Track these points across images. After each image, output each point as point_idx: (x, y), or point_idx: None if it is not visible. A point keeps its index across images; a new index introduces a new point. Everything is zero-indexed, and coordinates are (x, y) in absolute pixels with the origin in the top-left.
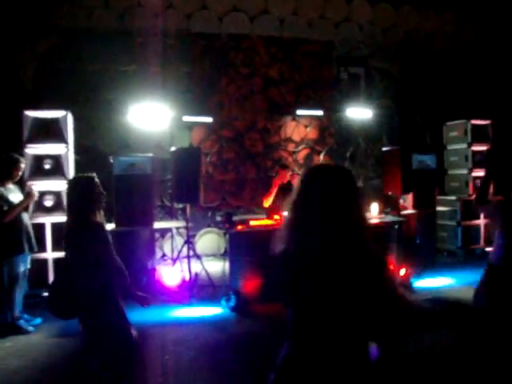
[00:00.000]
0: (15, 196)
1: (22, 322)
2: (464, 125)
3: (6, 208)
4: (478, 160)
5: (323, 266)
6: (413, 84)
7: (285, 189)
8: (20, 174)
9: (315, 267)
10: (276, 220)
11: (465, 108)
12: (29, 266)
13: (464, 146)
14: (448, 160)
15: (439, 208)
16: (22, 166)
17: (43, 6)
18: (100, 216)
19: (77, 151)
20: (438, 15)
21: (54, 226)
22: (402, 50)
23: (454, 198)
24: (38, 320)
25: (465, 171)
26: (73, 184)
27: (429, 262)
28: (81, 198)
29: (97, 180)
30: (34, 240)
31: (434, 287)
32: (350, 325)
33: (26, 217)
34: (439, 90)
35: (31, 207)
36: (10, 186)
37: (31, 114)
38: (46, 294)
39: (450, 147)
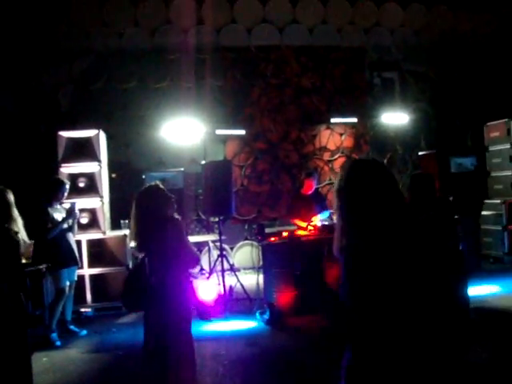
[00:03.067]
0: (60, 215)
1: (53, 335)
2: (506, 124)
3: (49, 225)
4: None
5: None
6: (449, 85)
7: (312, 197)
8: (65, 195)
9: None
10: (309, 230)
11: (505, 107)
12: (75, 279)
13: (507, 146)
14: (490, 162)
15: (483, 212)
16: (67, 187)
17: (77, 29)
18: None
19: (111, 169)
20: (473, 14)
21: (90, 242)
22: (437, 51)
23: (498, 201)
24: (84, 332)
25: (509, 173)
26: (145, 192)
27: (473, 270)
28: (156, 199)
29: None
30: (77, 255)
31: (479, 295)
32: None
33: (69, 234)
34: (477, 90)
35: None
36: (57, 205)
37: (65, 134)
38: (84, 310)
39: (491, 148)
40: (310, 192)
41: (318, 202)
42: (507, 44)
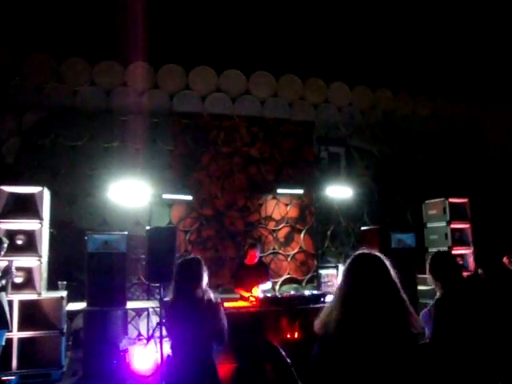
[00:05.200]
0: None
1: None
2: (442, 203)
3: None
4: (458, 238)
5: (371, 350)
6: (392, 163)
7: (255, 267)
8: (2, 254)
9: (364, 350)
10: (251, 301)
11: (443, 186)
12: (3, 343)
13: (443, 223)
14: (428, 238)
15: (420, 287)
16: (5, 246)
17: (30, 83)
18: None
19: (53, 226)
20: (412, 97)
21: (22, 303)
22: (381, 130)
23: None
24: None
25: (445, 248)
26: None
27: None
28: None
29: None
30: (8, 318)
31: None
32: None
33: (2, 295)
34: (418, 169)
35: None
36: None
37: (7, 189)
38: (7, 378)
39: (429, 225)
40: (253, 262)
41: (261, 272)
42: (446, 126)
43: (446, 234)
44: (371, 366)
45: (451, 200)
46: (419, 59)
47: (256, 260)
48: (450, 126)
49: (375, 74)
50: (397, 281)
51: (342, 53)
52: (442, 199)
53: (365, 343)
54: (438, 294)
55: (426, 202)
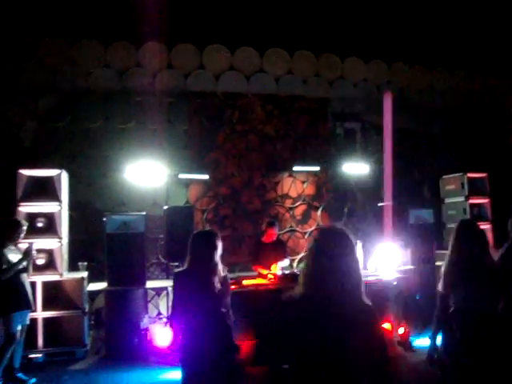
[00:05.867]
0: (15, 256)
1: None
2: (460, 178)
3: (4, 266)
4: (476, 213)
5: (325, 316)
6: (408, 138)
7: (273, 245)
8: (21, 236)
9: (318, 316)
10: (270, 279)
11: (461, 161)
12: (28, 323)
13: (461, 199)
14: (446, 214)
15: (439, 263)
16: (24, 228)
17: (45, 67)
18: None
19: (72, 209)
20: (429, 71)
21: (45, 284)
22: (397, 105)
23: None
24: (33, 380)
25: None
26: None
27: (430, 320)
28: (207, 248)
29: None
30: (31, 298)
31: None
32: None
33: (24, 276)
34: (435, 144)
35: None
36: (12, 246)
37: (26, 172)
38: (34, 355)
39: (447, 201)
40: (271, 240)
41: (278, 249)
42: (464, 100)
43: (465, 209)
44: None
45: (470, 175)
46: (435, 31)
47: (274, 238)
48: (468, 99)
49: (390, 47)
50: (356, 257)
51: (356, 27)
52: (461, 174)
53: (322, 312)
54: None
55: (444, 177)
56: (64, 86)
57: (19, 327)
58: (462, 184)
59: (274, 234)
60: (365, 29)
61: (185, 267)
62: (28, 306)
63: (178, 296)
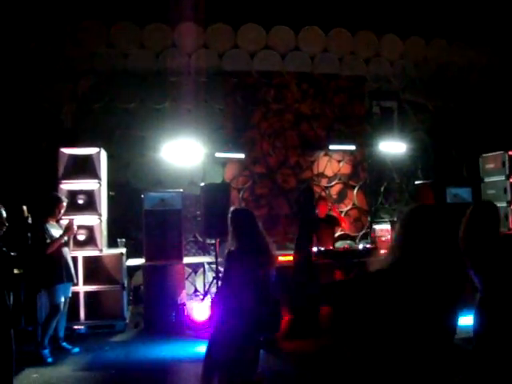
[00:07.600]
0: (56, 231)
1: (45, 352)
2: (501, 156)
3: (48, 241)
4: None
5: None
6: (447, 116)
7: (325, 220)
8: (62, 212)
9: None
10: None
11: (502, 139)
12: (70, 295)
13: (502, 178)
14: (485, 193)
15: None
16: (64, 204)
17: (83, 49)
18: None
19: (110, 187)
20: (470, 47)
21: (86, 259)
22: (435, 83)
23: None
24: (77, 349)
25: (504, 204)
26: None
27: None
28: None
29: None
30: (73, 271)
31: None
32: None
33: (66, 250)
34: (474, 122)
35: (71, 241)
36: (53, 222)
37: (67, 151)
38: (77, 327)
39: (487, 180)
40: (323, 215)
41: (332, 223)
42: (503, 77)
43: (505, 189)
44: (420, 302)
45: (511, 153)
46: (476, 7)
47: (326, 212)
48: (508, 76)
49: (428, 23)
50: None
51: (392, 3)
52: (501, 152)
53: (417, 282)
54: None
55: (484, 155)
56: (101, 67)
57: (62, 299)
58: (503, 162)
59: (326, 207)
60: (401, 5)
61: (237, 246)
62: (70, 278)
63: (234, 274)
